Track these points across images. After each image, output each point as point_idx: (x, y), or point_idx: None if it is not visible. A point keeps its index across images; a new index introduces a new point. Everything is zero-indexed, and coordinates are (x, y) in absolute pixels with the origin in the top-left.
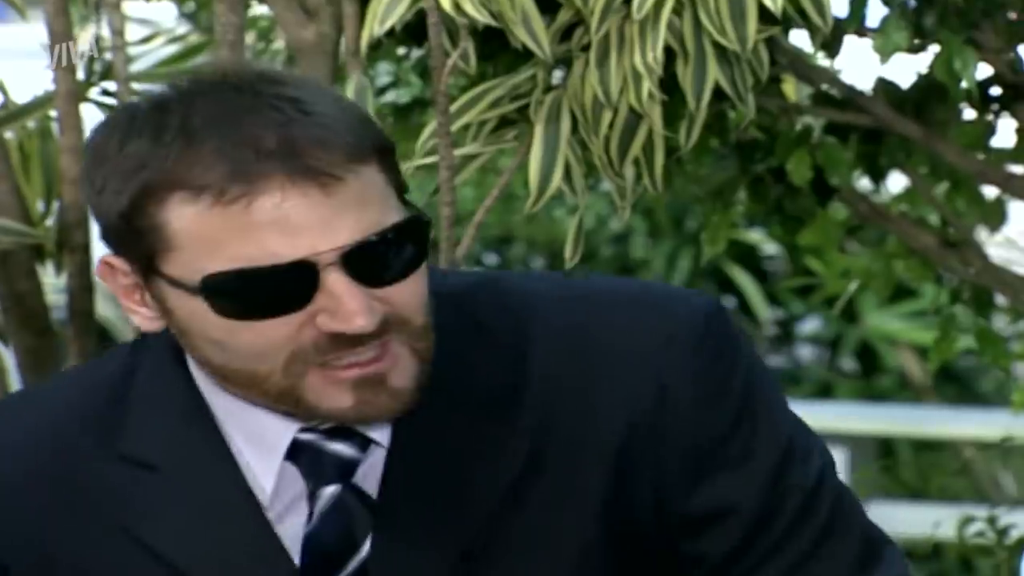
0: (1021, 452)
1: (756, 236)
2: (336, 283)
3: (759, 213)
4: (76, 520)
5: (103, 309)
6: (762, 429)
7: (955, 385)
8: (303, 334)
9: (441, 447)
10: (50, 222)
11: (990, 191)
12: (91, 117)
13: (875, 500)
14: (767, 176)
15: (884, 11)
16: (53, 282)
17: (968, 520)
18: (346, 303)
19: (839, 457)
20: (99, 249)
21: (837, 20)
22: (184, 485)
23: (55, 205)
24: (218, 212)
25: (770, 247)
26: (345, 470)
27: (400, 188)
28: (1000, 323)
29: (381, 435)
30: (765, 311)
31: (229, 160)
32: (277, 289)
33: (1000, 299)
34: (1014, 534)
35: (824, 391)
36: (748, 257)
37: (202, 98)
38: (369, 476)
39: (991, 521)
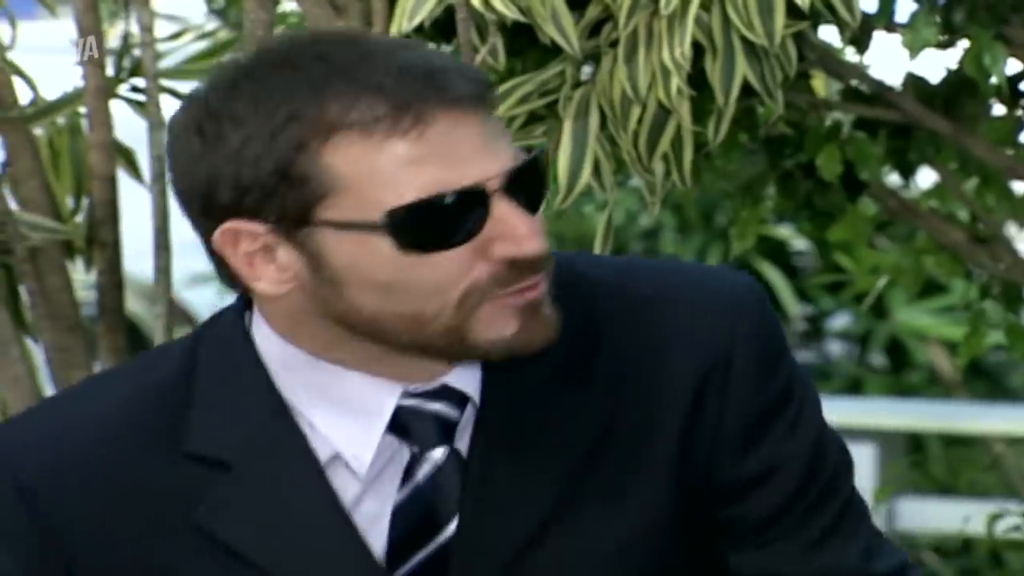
0: None
1: (785, 232)
2: (504, 208)
3: (788, 209)
4: (144, 521)
5: (132, 305)
6: (806, 407)
7: (985, 380)
8: (476, 267)
9: (527, 409)
10: (80, 218)
11: (1020, 187)
12: (120, 114)
13: (905, 496)
14: (796, 172)
15: (913, 6)
16: (83, 278)
17: (998, 515)
18: (519, 227)
19: (869, 452)
20: (129, 245)
21: (866, 15)
22: (258, 481)
23: (84, 201)
24: (390, 146)
25: (799, 243)
26: (447, 430)
27: None
28: None
29: (474, 395)
30: (795, 307)
31: (391, 94)
32: (455, 218)
33: None
34: None
35: (854, 387)
36: (777, 253)
37: (324, 46)
38: (463, 440)
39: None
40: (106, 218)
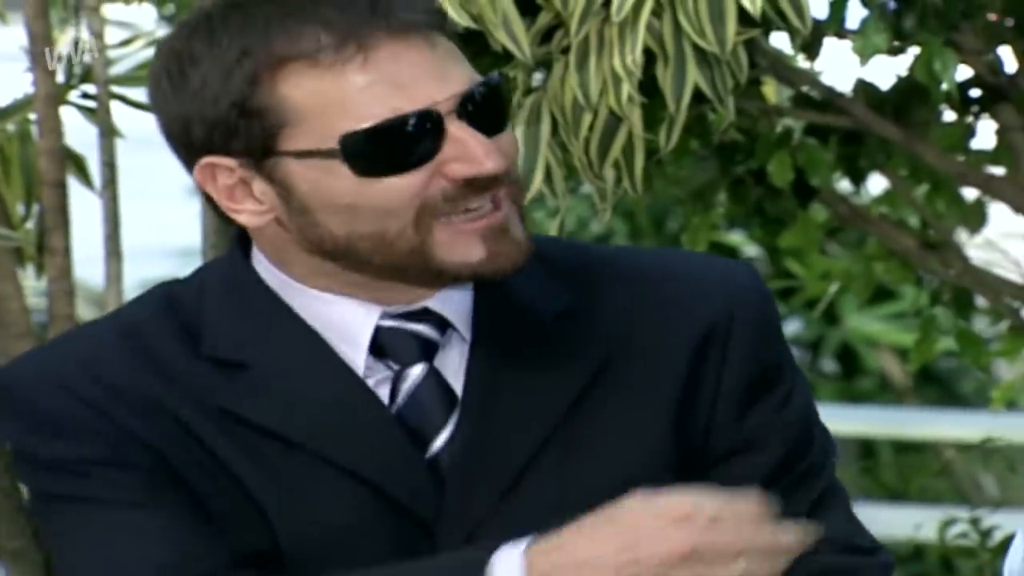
0: (1002, 453)
1: (737, 238)
2: (459, 130)
3: (739, 215)
4: (176, 399)
5: (83, 312)
6: (796, 388)
7: (936, 387)
8: (431, 186)
9: (523, 343)
10: (30, 225)
11: (970, 193)
12: (70, 120)
13: (856, 502)
14: (747, 178)
15: (864, 13)
16: (33, 285)
17: (950, 522)
18: (473, 147)
19: None
20: (79, 252)
21: (817, 22)
22: (277, 371)
23: (35, 208)
24: (336, 74)
25: (751, 249)
26: (427, 350)
27: None
28: (980, 325)
29: (466, 330)
30: None
31: (335, 25)
32: (408, 141)
33: (980, 301)
34: (997, 535)
35: None
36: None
37: None
38: (449, 367)
39: (974, 522)
40: (56, 225)
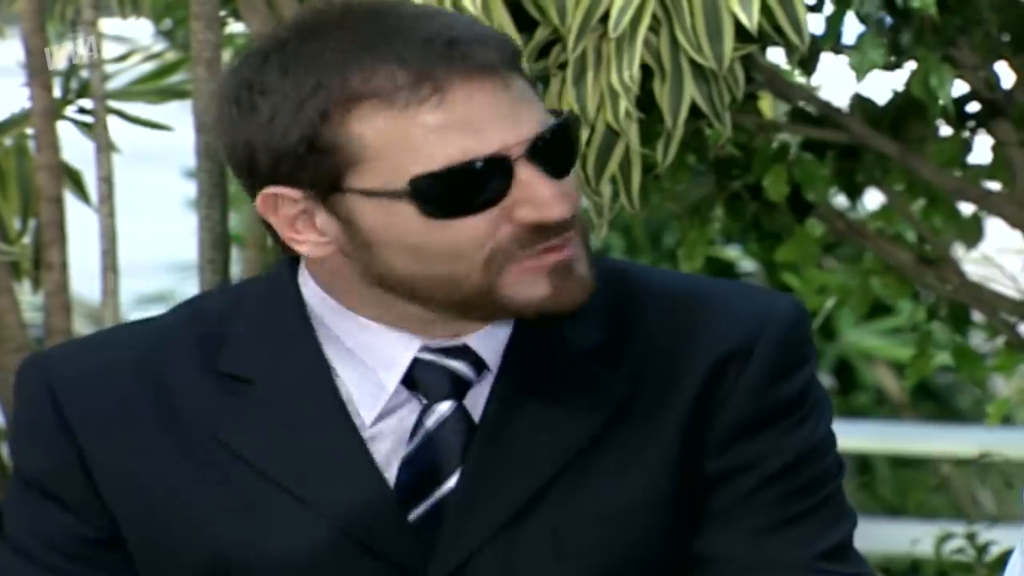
0: (999, 468)
1: (733, 253)
2: (528, 174)
3: (736, 230)
4: (163, 427)
5: (80, 327)
6: (816, 415)
7: (932, 402)
8: (501, 230)
9: (546, 379)
10: (27, 240)
11: (967, 208)
12: (67, 135)
13: None
14: (744, 193)
15: (860, 28)
16: (30, 300)
17: (947, 537)
18: (542, 192)
19: None
20: (76, 267)
21: (813, 37)
22: (278, 397)
23: (32, 223)
24: (411, 115)
25: (747, 264)
26: (460, 388)
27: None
28: (977, 340)
29: (493, 365)
30: None
31: (411, 64)
32: (478, 185)
33: (977, 316)
34: (994, 551)
35: None
36: (725, 274)
37: (352, 18)
38: (476, 403)
39: (971, 538)
40: (53, 239)
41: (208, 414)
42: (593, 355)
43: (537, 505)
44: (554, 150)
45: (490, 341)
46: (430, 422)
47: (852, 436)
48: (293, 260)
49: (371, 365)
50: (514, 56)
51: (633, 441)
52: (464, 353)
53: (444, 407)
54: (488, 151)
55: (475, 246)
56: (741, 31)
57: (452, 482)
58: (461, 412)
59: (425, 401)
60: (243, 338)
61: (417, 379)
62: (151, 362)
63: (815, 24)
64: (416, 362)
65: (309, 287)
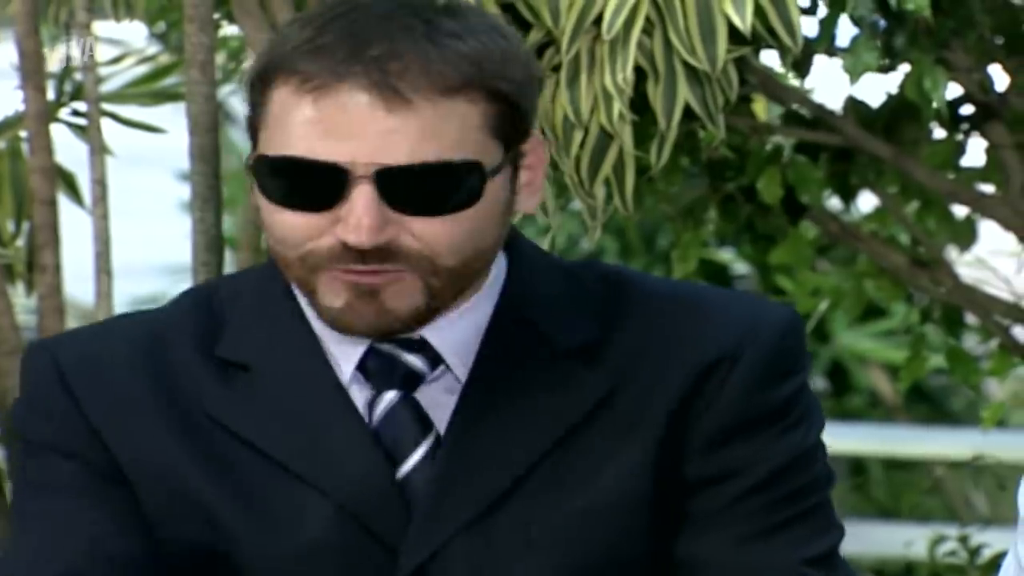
0: (992, 471)
1: (727, 255)
2: (360, 195)
3: (730, 232)
4: (163, 407)
5: None
6: (806, 422)
7: (926, 404)
8: (323, 237)
9: (522, 374)
10: (20, 242)
11: (960, 210)
12: (61, 138)
13: (846, 519)
14: (738, 195)
15: (854, 31)
16: (23, 302)
17: (940, 539)
18: (356, 215)
19: None
20: (70, 269)
21: (807, 40)
22: (275, 380)
23: (25, 225)
24: (296, 98)
25: (740, 266)
26: (410, 381)
27: (516, 135)
28: (970, 342)
29: (462, 363)
30: None
31: (326, 58)
32: (307, 185)
33: (970, 318)
34: (986, 553)
35: None
36: (719, 276)
37: (365, 5)
38: (433, 399)
39: (963, 540)
40: (47, 242)
41: (209, 399)
42: (576, 353)
43: (509, 499)
44: (415, 187)
45: (450, 335)
46: (378, 410)
47: (846, 438)
48: None
49: (332, 352)
50: (470, 88)
51: (610, 439)
52: (421, 347)
53: (390, 395)
54: (330, 159)
55: (294, 242)
56: (735, 33)
57: (406, 468)
58: (409, 402)
59: (373, 392)
60: (240, 328)
61: (369, 369)
62: (155, 348)
63: (809, 26)
64: (371, 351)
65: None
